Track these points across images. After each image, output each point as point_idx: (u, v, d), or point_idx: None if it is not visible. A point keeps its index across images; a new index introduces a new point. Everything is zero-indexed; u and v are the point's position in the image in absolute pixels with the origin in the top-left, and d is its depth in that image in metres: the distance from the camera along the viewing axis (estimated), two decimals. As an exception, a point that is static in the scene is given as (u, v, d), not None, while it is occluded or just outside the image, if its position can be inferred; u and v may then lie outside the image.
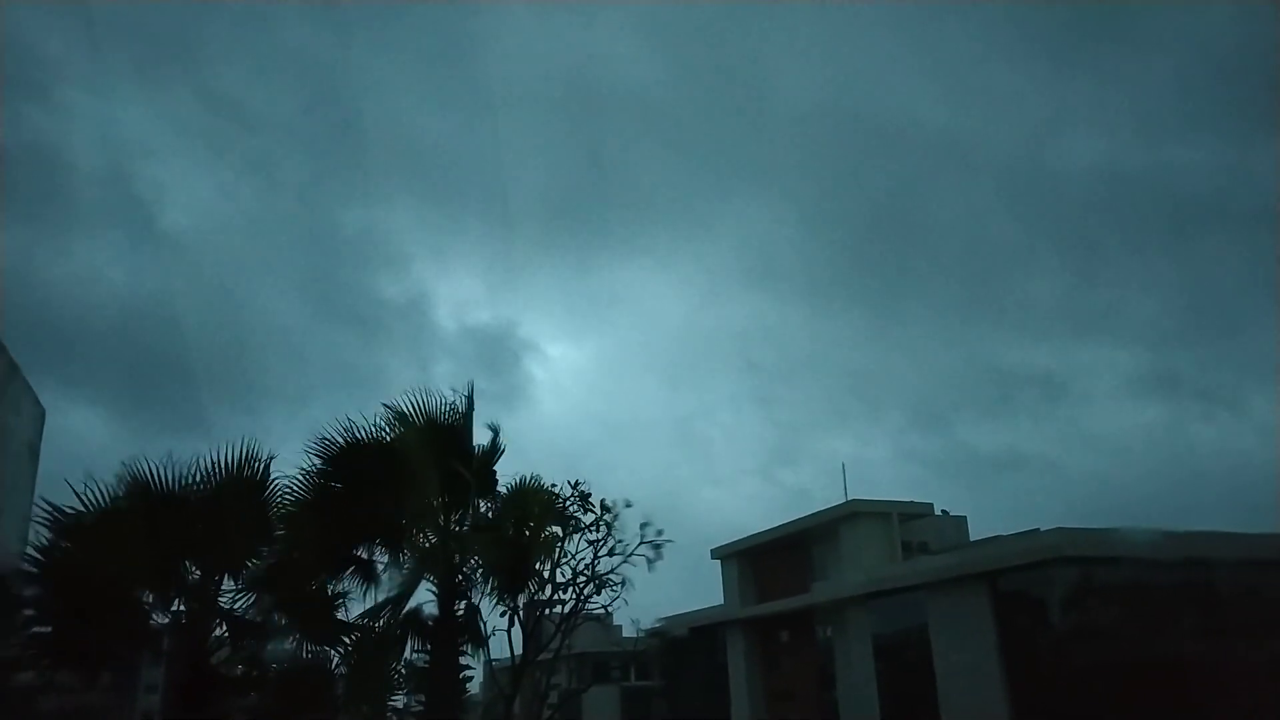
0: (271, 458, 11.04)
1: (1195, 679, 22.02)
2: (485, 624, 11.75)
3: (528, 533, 11.77)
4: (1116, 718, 22.00)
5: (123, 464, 10.71)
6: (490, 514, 11.88)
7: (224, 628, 11.21)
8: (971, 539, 33.11)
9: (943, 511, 35.18)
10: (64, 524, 10.69)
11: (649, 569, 12.31)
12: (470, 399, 11.68)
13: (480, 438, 11.91)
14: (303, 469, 11.19)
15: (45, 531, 10.69)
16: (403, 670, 11.47)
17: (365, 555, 11.40)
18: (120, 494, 10.73)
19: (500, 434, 11.92)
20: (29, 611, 11.19)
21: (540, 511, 11.95)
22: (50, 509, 10.55)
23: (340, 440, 11.14)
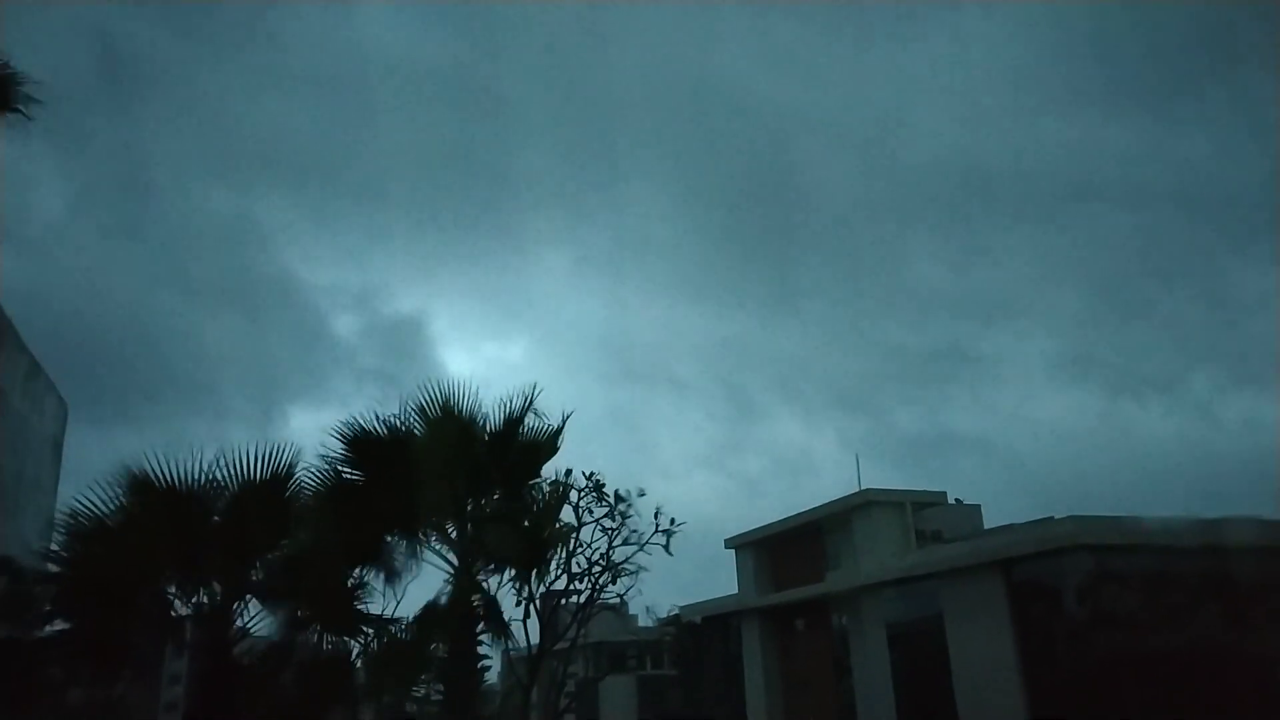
0: (298, 452, 11.17)
1: (1212, 667, 21.98)
2: (503, 614, 11.87)
3: (543, 525, 11.85)
4: (1133, 706, 21.99)
5: (127, 466, 10.82)
6: (506, 505, 11.98)
7: (246, 619, 11.37)
8: (986, 527, 33.07)
9: (957, 500, 35.15)
10: (88, 519, 10.84)
11: (667, 553, 12.39)
12: (530, 397, 11.80)
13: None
14: (323, 461, 11.31)
15: (70, 526, 10.86)
16: (422, 660, 11.59)
17: (385, 547, 11.52)
18: (140, 489, 10.87)
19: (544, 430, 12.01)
20: (54, 605, 11.37)
21: (553, 502, 12.04)
22: (73, 508, 10.71)
23: (362, 432, 11.24)
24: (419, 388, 11.57)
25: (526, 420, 11.83)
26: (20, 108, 10.25)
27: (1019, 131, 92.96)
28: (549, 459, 12.06)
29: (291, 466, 11.12)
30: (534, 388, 11.80)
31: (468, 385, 11.70)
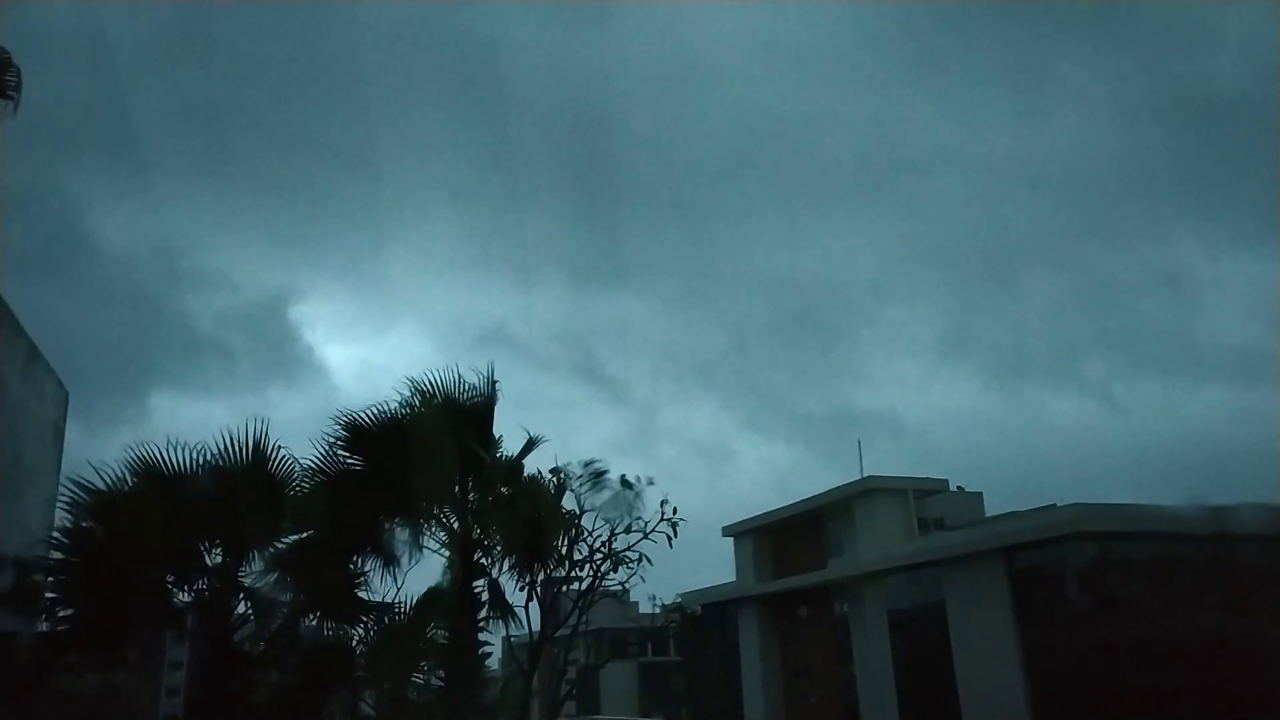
0: (266, 436, 11.13)
1: (1214, 654, 22.00)
2: (508, 602, 11.86)
3: (542, 513, 11.82)
4: (1134, 693, 22.02)
5: (129, 448, 10.82)
6: (508, 494, 11.95)
7: (247, 606, 11.35)
8: (988, 515, 33.09)
9: (958, 487, 35.15)
10: (87, 505, 10.82)
11: (670, 545, 12.35)
12: (492, 381, 11.75)
13: (498, 420, 11.98)
14: (322, 447, 11.28)
15: (69, 513, 10.84)
16: (423, 647, 11.58)
17: (385, 533, 11.50)
18: (138, 475, 10.85)
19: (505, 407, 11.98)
20: (55, 592, 11.36)
21: (554, 491, 12.01)
22: (74, 490, 10.67)
23: (360, 419, 11.21)
24: (411, 378, 11.53)
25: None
26: (11, 94, 10.20)
27: (876, 104, 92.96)
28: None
29: (280, 452, 11.10)
30: (490, 367, 11.76)
31: (479, 375, 11.70)
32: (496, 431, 11.98)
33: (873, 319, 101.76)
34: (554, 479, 12.09)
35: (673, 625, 48.61)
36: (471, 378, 11.74)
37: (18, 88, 10.23)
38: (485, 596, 11.71)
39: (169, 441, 10.82)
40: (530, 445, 12.04)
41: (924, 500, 33.15)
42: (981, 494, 35.37)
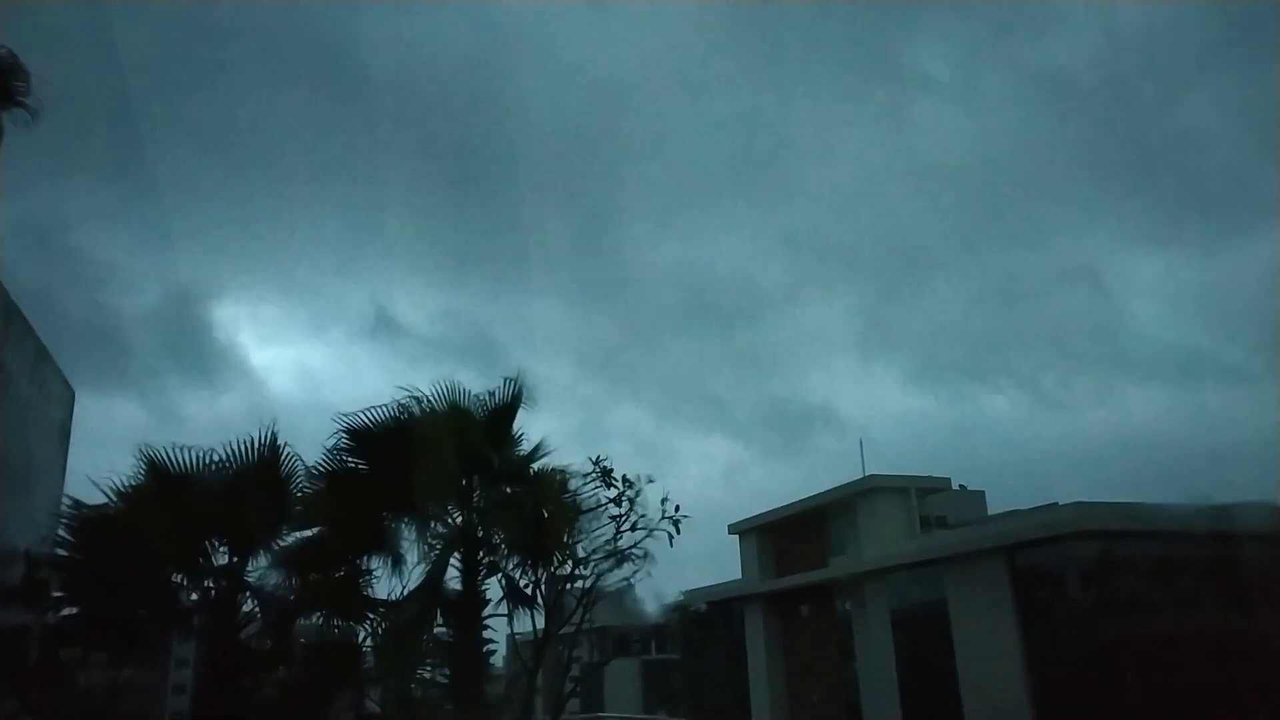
0: (284, 443, 11.25)
1: (1216, 652, 22.02)
2: (526, 597, 11.94)
3: (546, 512, 11.88)
4: (1136, 692, 22.07)
5: (140, 449, 10.93)
6: (513, 493, 12.03)
7: (253, 604, 11.46)
8: (990, 513, 33.11)
9: (960, 486, 35.17)
10: (95, 506, 10.94)
11: (670, 544, 12.40)
12: (517, 384, 11.85)
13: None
14: (328, 448, 11.37)
15: (78, 513, 10.96)
16: (428, 644, 11.66)
17: (390, 532, 11.59)
18: (145, 476, 10.96)
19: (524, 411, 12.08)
20: (63, 591, 11.48)
21: (557, 489, 12.06)
22: (81, 496, 10.79)
23: (366, 419, 11.29)
24: (420, 385, 11.62)
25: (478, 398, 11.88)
26: (23, 101, 10.23)
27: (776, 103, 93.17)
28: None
29: (287, 452, 11.21)
30: (518, 375, 11.88)
31: (506, 381, 11.84)
32: (519, 434, 12.09)
33: (790, 316, 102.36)
34: (559, 477, 12.16)
35: (675, 623, 48.68)
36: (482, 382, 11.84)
37: (28, 93, 10.26)
38: (489, 595, 11.78)
39: (174, 445, 10.94)
40: (538, 449, 12.13)
41: (926, 499, 33.19)
42: (983, 493, 35.38)
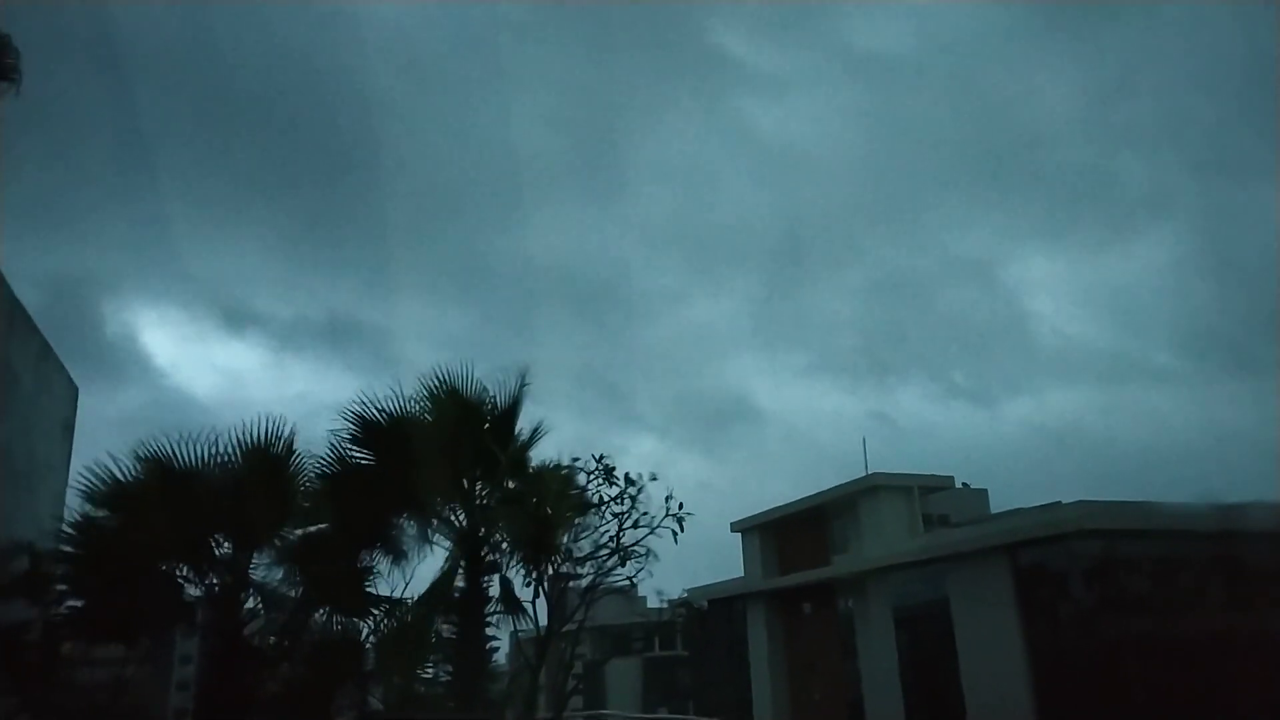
0: (292, 431, 11.25)
1: (1222, 653, 21.97)
2: (519, 598, 11.93)
3: (549, 509, 11.87)
4: (1141, 692, 22.03)
5: (143, 442, 10.93)
6: (516, 489, 12.02)
7: (256, 600, 11.46)
8: (993, 511, 33.08)
9: (963, 484, 35.17)
10: (98, 499, 10.93)
11: (675, 541, 12.36)
12: (521, 380, 11.83)
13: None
14: (330, 443, 11.37)
15: (80, 507, 10.96)
16: (432, 641, 11.67)
17: (393, 528, 11.58)
18: (149, 469, 10.95)
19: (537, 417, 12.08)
20: (65, 585, 11.47)
21: (559, 487, 12.05)
22: (85, 484, 10.79)
23: (369, 414, 11.29)
24: (424, 374, 11.60)
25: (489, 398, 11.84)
26: (11, 75, 10.23)
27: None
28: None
29: (292, 445, 11.20)
30: (525, 371, 11.86)
31: (470, 369, 11.79)
32: (520, 431, 12.08)
33: (682, 310, 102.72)
34: (563, 473, 12.15)
35: (680, 620, 48.74)
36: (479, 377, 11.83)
37: (17, 69, 10.25)
38: (494, 592, 11.78)
39: (180, 436, 10.94)
40: (535, 435, 12.10)
41: (928, 497, 33.17)
42: (986, 491, 35.40)
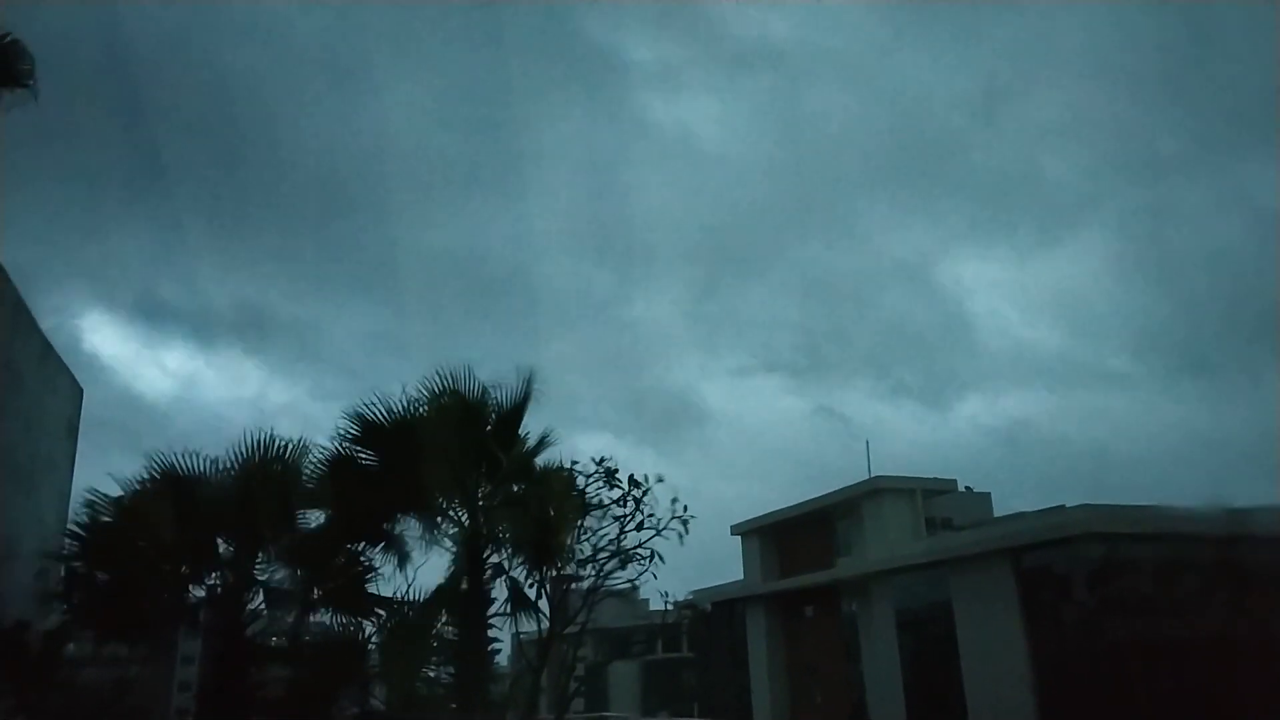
0: (301, 438, 11.27)
1: (1225, 656, 21.90)
2: (528, 597, 11.91)
3: (552, 511, 11.85)
4: (1143, 695, 21.95)
5: (149, 454, 10.94)
6: (519, 492, 12.00)
7: (259, 601, 11.45)
8: (996, 515, 32.98)
9: (966, 488, 35.06)
10: (104, 503, 10.96)
11: (680, 543, 12.33)
12: (529, 383, 11.78)
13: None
14: (333, 445, 11.36)
15: (86, 510, 10.98)
16: (433, 643, 11.64)
17: (396, 530, 11.57)
18: (155, 474, 10.98)
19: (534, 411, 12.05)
20: (70, 585, 11.49)
21: (562, 489, 12.02)
22: (90, 492, 10.81)
23: (372, 416, 11.27)
24: (434, 372, 11.58)
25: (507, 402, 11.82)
26: (27, 82, 10.23)
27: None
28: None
29: (296, 449, 11.20)
30: (530, 373, 11.81)
31: (517, 375, 11.77)
32: (525, 432, 12.04)
33: (621, 311, 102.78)
34: (565, 476, 12.13)
35: (684, 622, 48.72)
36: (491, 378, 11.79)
37: (32, 74, 10.26)
38: (496, 594, 11.75)
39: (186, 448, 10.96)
40: (542, 443, 12.08)
41: (931, 500, 33.09)
42: (989, 494, 35.24)
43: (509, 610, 11.68)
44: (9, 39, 10.18)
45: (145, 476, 10.90)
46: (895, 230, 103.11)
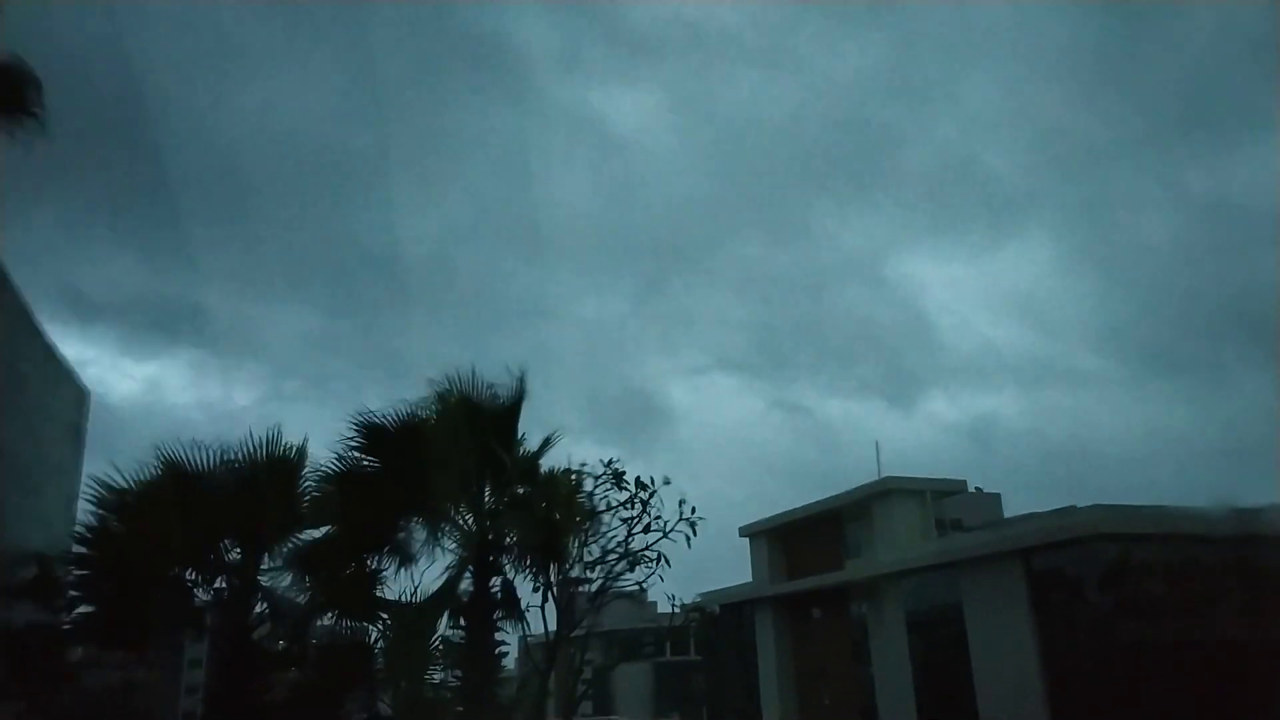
0: (305, 439, 11.24)
1: (1236, 658, 21.72)
2: (520, 600, 11.84)
3: (558, 514, 11.79)
4: (1154, 696, 21.79)
5: (158, 447, 10.93)
6: (524, 494, 11.94)
7: (265, 605, 11.41)
8: (1006, 516, 32.81)
9: (977, 489, 34.88)
10: (109, 505, 10.92)
11: (689, 545, 12.24)
12: (521, 381, 11.73)
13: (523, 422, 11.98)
14: (341, 449, 11.31)
15: (92, 512, 10.96)
16: (440, 646, 11.59)
17: (402, 534, 11.51)
18: (160, 476, 10.94)
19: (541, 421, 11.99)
20: (76, 591, 11.47)
21: (568, 492, 11.96)
22: (96, 490, 10.78)
23: (378, 421, 11.22)
24: (439, 375, 11.53)
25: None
26: (34, 110, 10.11)
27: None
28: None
29: (301, 453, 11.17)
30: (523, 373, 11.75)
31: (510, 374, 11.71)
32: (522, 431, 11.98)
33: (579, 308, 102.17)
34: (572, 478, 12.05)
35: (693, 625, 48.61)
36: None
37: (40, 102, 10.14)
38: (502, 595, 11.69)
39: (193, 442, 10.94)
40: (546, 444, 12.02)
41: (942, 501, 32.92)
42: (999, 495, 35.04)
43: (506, 613, 11.62)
44: (14, 62, 10.04)
45: (151, 472, 10.87)
46: (840, 226, 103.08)
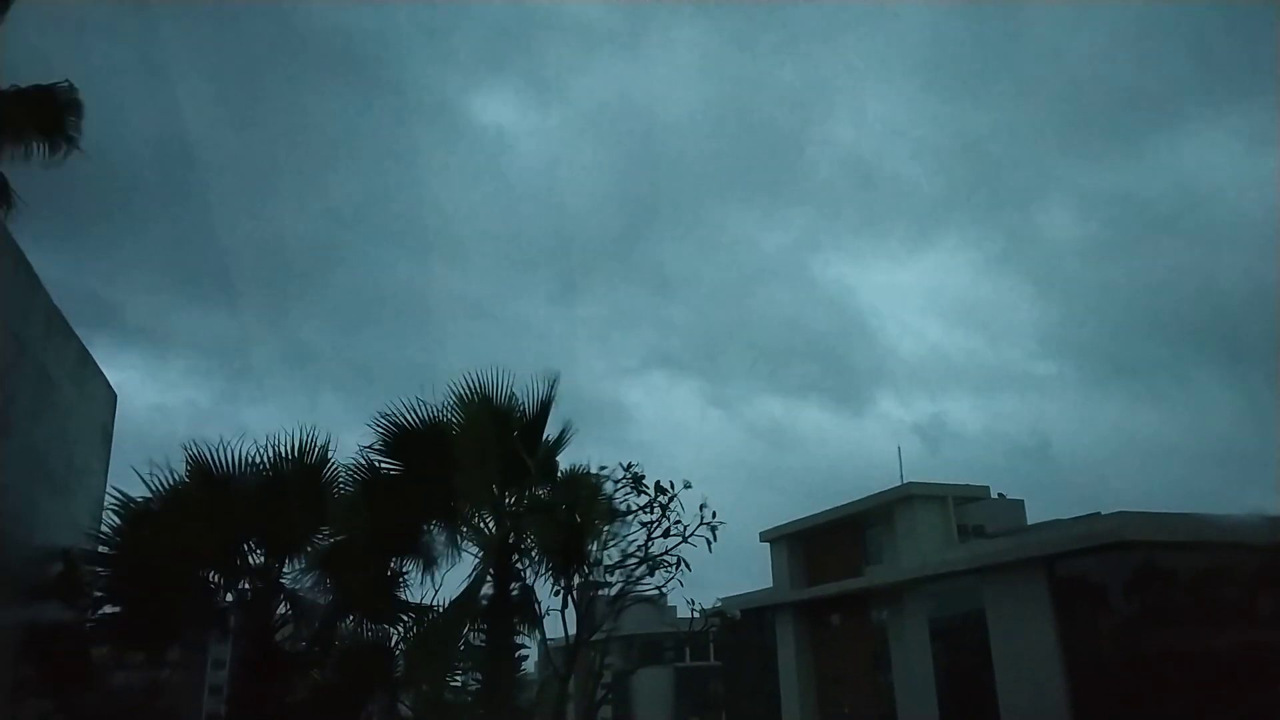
0: (328, 440, 11.34)
1: (1261, 667, 21.46)
2: (540, 604, 11.88)
3: (579, 517, 11.82)
4: (1178, 705, 21.56)
5: (184, 447, 11.06)
6: (545, 496, 11.99)
7: (288, 607, 11.52)
8: (1029, 523, 32.61)
9: (999, 495, 34.69)
10: (134, 508, 11.06)
11: (709, 550, 12.23)
12: (551, 385, 11.79)
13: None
14: (363, 450, 11.42)
15: (117, 515, 11.10)
16: (461, 649, 11.65)
17: (424, 535, 11.60)
18: (185, 477, 11.07)
19: (568, 425, 12.06)
20: (101, 591, 11.60)
21: (588, 495, 11.99)
22: (121, 495, 10.93)
23: (400, 422, 11.31)
24: (456, 379, 11.60)
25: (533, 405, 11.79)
26: (73, 134, 10.20)
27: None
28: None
29: (326, 453, 11.27)
30: (555, 376, 11.82)
31: (502, 374, 11.76)
32: (548, 437, 12.03)
33: (501, 309, 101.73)
34: (592, 480, 12.09)
35: (713, 630, 48.56)
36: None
37: (78, 126, 10.20)
38: (520, 599, 11.74)
39: (220, 442, 11.06)
40: (561, 439, 12.05)
41: (964, 507, 32.76)
42: (1023, 501, 34.91)
43: (521, 617, 11.67)
44: (61, 86, 10.07)
45: (179, 474, 11.00)
46: (756, 230, 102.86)
